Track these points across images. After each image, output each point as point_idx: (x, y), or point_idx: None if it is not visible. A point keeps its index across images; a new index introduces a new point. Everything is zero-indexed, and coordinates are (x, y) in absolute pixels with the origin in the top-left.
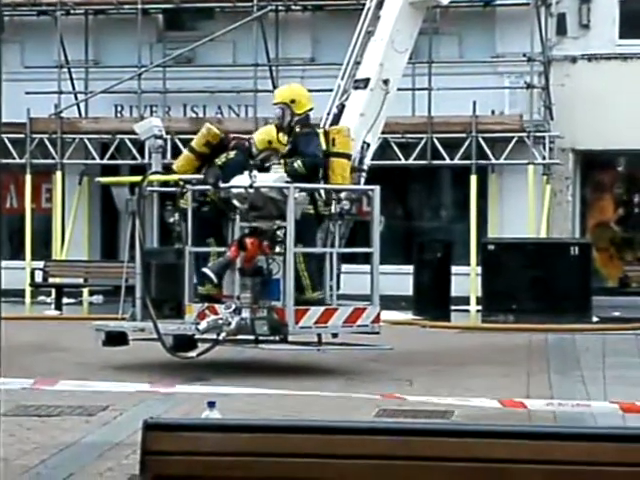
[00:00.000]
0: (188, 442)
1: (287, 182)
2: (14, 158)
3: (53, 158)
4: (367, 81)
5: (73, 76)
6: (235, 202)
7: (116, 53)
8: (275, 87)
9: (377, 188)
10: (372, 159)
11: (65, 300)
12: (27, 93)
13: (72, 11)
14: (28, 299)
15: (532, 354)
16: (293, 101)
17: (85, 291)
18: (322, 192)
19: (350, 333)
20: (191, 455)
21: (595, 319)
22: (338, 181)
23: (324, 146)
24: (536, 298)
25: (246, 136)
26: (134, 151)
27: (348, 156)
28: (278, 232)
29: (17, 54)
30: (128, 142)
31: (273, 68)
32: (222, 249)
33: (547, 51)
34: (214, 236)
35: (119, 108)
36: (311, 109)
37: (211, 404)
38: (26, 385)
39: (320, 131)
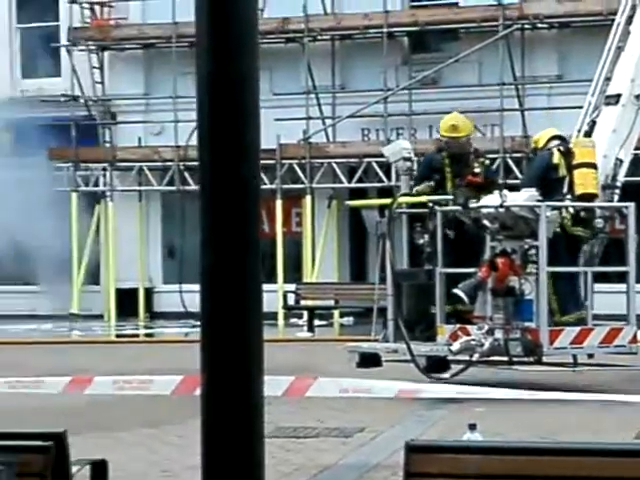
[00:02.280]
0: (450, 464)
1: (538, 201)
2: (265, 184)
3: (302, 183)
4: (618, 97)
5: (320, 101)
6: (485, 222)
7: (362, 77)
8: (521, 105)
9: (631, 205)
10: (625, 175)
11: (317, 322)
12: (276, 120)
13: (319, 37)
14: (281, 321)
15: None
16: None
17: (336, 313)
18: (570, 209)
19: (606, 354)
20: (453, 477)
21: None
22: (579, 190)
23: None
24: None
25: None
26: (381, 174)
27: (588, 165)
28: (530, 252)
29: (266, 81)
30: (375, 165)
31: (519, 87)
32: (473, 270)
33: None
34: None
35: (365, 132)
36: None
37: (472, 426)
38: None
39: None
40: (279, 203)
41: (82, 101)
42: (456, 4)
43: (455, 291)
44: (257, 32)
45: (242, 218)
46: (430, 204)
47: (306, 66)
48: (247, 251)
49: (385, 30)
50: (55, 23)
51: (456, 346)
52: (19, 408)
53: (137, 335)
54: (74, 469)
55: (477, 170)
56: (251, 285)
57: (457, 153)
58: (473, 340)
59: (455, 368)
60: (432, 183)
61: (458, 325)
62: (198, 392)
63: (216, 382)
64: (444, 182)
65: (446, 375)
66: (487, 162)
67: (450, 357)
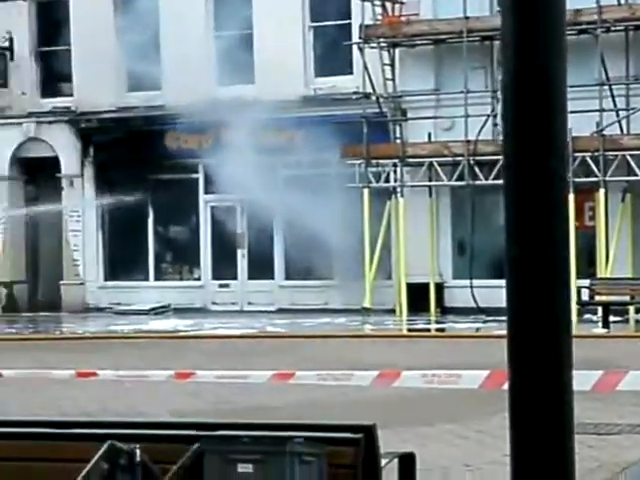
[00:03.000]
0: None
1: None
2: None
3: (595, 176)
4: None
5: (614, 93)
6: None
7: None
8: None
9: None
10: None
11: (612, 318)
12: (569, 112)
13: (612, 28)
14: (574, 317)
15: None
16: None
17: (631, 309)
18: None
19: None
20: None
21: None
22: None
23: None
24: None
25: None
26: None
27: None
28: None
29: None
30: None
31: None
32: None
33: None
34: None
35: None
36: None
37: None
38: None
39: None
40: (571, 197)
41: (374, 98)
42: None
43: None
44: (565, 24)
45: (549, 211)
46: None
47: (599, 57)
48: (555, 244)
49: None
50: (347, 21)
51: None
52: (328, 400)
53: (429, 330)
54: (383, 462)
55: None
56: (559, 278)
57: None
58: None
59: None
60: None
61: None
62: (505, 386)
63: (524, 376)
64: None
65: None
66: None
67: None
